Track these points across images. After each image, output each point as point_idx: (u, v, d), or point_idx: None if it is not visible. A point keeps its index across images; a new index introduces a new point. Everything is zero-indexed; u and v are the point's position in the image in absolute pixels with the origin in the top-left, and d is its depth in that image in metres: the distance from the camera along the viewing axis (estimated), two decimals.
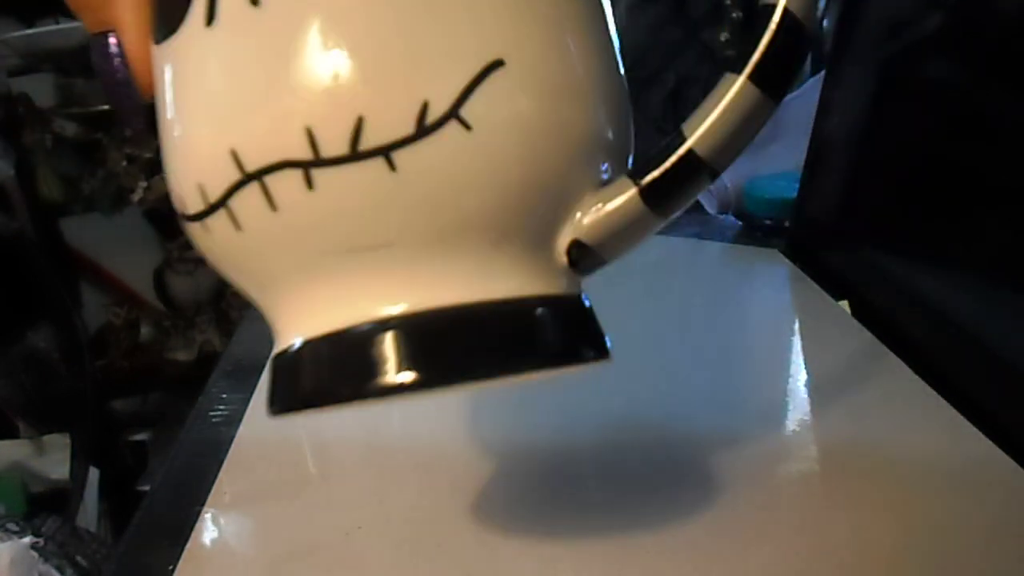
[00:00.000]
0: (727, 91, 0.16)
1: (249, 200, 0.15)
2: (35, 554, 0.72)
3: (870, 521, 0.26)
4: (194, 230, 0.17)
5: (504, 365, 0.16)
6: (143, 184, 1.18)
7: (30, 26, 1.21)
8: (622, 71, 0.18)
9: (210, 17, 0.15)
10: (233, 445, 0.34)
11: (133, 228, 1.33)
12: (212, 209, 0.16)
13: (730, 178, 0.63)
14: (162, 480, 0.33)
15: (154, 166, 1.19)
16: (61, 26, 1.18)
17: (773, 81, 0.16)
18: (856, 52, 0.46)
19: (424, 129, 0.14)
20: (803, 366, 0.37)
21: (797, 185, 0.50)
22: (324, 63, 0.14)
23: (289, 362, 0.17)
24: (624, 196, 0.17)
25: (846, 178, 0.48)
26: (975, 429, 0.30)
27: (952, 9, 0.37)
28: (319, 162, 0.14)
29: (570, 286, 0.17)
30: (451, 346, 0.15)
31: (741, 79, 0.16)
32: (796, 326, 0.41)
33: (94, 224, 1.30)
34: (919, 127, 0.39)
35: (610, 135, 0.17)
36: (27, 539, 0.72)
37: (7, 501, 0.98)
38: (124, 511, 1.12)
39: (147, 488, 0.34)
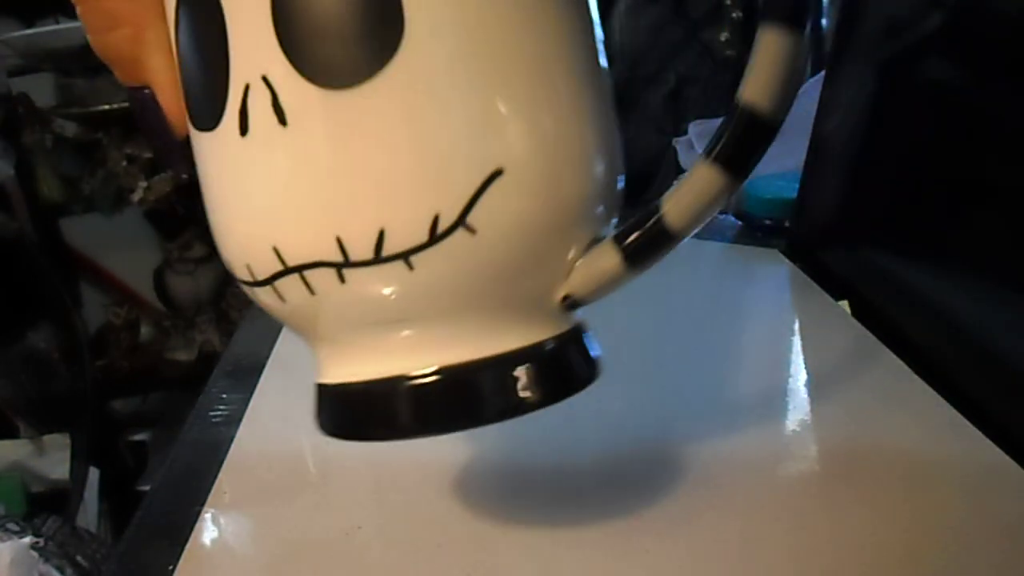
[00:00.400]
0: (699, 173, 0.18)
1: (290, 284, 0.18)
2: (35, 554, 0.72)
3: (870, 521, 0.26)
4: (244, 288, 0.20)
5: (511, 408, 0.19)
6: (143, 184, 1.19)
7: (30, 26, 1.21)
8: (616, 121, 0.19)
9: (243, 130, 0.17)
10: (233, 445, 0.34)
11: (133, 228, 1.33)
12: (259, 284, 0.19)
13: None
14: (162, 480, 0.33)
15: (154, 166, 1.19)
16: (61, 26, 1.18)
17: (738, 166, 0.18)
18: (856, 52, 0.46)
19: (436, 237, 0.17)
20: (803, 366, 0.37)
21: (797, 185, 0.50)
22: (346, 182, 0.16)
23: (335, 395, 0.20)
24: (610, 260, 0.19)
25: (846, 178, 0.47)
26: (975, 429, 0.30)
27: (952, 9, 0.37)
28: (348, 264, 0.17)
29: (564, 323, 0.20)
30: (464, 396, 0.19)
31: (709, 164, 0.18)
32: (796, 326, 0.41)
33: (94, 224, 1.30)
34: (919, 127, 0.39)
35: (603, 197, 0.19)
36: (27, 539, 0.72)
37: (7, 501, 0.98)
38: (124, 511, 1.12)
39: (147, 488, 0.34)
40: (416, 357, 0.18)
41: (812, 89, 0.50)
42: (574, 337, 0.20)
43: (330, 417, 0.20)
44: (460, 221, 0.17)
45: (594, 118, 0.18)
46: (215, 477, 0.32)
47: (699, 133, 0.68)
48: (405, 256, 0.17)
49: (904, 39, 0.41)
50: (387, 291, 0.17)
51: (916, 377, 0.33)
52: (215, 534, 0.29)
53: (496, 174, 0.17)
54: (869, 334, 0.37)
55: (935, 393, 0.32)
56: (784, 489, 0.27)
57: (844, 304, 0.42)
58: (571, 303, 0.20)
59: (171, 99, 0.19)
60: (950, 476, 0.27)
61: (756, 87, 0.17)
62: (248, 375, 0.41)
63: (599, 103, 0.19)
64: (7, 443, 1.10)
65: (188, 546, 0.28)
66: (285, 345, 0.44)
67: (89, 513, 1.10)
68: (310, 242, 0.17)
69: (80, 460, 1.12)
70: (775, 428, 0.31)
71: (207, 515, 0.30)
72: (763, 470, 0.28)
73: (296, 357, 0.43)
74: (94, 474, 1.13)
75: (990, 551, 0.24)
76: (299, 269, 0.17)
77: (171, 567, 0.27)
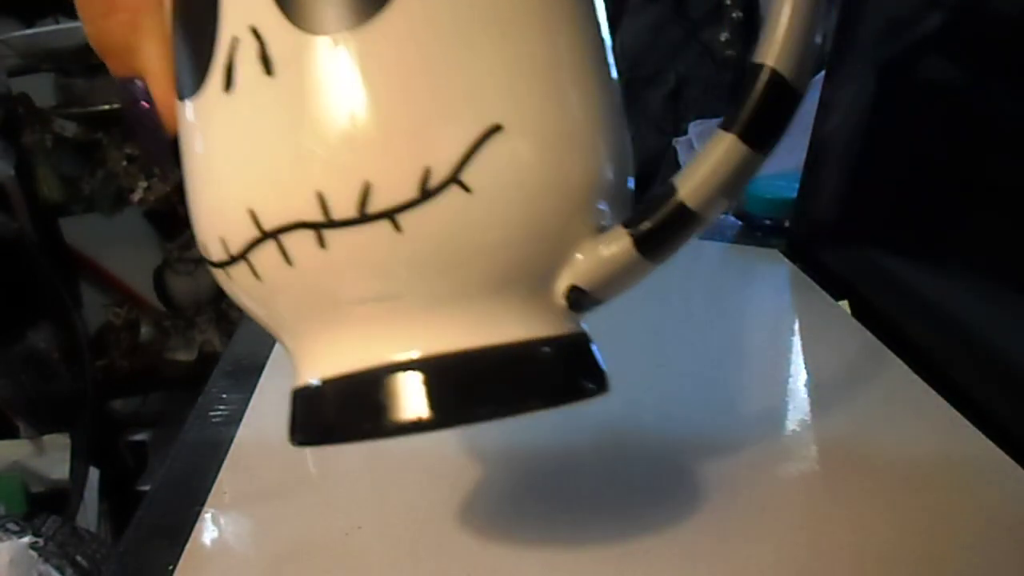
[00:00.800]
0: (717, 147, 0.17)
1: (266, 255, 0.16)
2: (34, 554, 0.72)
3: (870, 521, 0.26)
4: (218, 275, 0.18)
5: (508, 406, 0.17)
6: (143, 184, 1.19)
7: (30, 26, 1.21)
8: (623, 113, 0.18)
9: (228, 84, 0.16)
10: (233, 445, 0.34)
11: (133, 228, 1.33)
12: (233, 260, 0.17)
13: None
14: (162, 480, 0.33)
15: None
16: (61, 26, 1.18)
17: (761, 138, 0.16)
18: (856, 52, 0.46)
19: (427, 193, 0.15)
20: (803, 366, 0.37)
21: (797, 185, 0.50)
22: (331, 132, 0.15)
23: (308, 398, 0.18)
24: (619, 245, 0.17)
25: (846, 178, 0.47)
26: (975, 429, 0.30)
27: (952, 9, 0.37)
28: (330, 224, 0.15)
29: (569, 325, 0.18)
30: (458, 389, 0.17)
31: (730, 137, 0.16)
32: (796, 326, 0.41)
33: (94, 224, 1.30)
34: (919, 127, 0.39)
35: (609, 184, 0.18)
36: (26, 539, 0.72)
37: (7, 501, 0.98)
38: (124, 511, 1.12)
39: (147, 488, 0.34)
40: (402, 343, 0.17)
41: (812, 89, 0.50)
42: (580, 341, 0.19)
43: (305, 421, 0.18)
44: (453, 177, 0.15)
45: (602, 97, 0.17)
46: (215, 477, 0.32)
47: (699, 133, 0.68)
48: (392, 214, 0.15)
49: (904, 39, 0.41)
50: (372, 258, 0.16)
51: (916, 377, 0.33)
52: (215, 534, 0.29)
53: (494, 129, 0.15)
54: (869, 334, 0.37)
55: (935, 393, 0.32)
56: (784, 489, 0.27)
57: (844, 304, 0.42)
58: (577, 298, 0.18)
59: (163, 89, 0.19)
60: (950, 476, 0.27)
61: (775, 51, 0.16)
62: (248, 375, 0.41)
63: (607, 84, 0.18)
64: (7, 443, 1.10)
65: (188, 546, 0.28)
66: None
67: (89, 513, 1.10)
68: (288, 200, 0.16)
69: (80, 460, 1.12)
70: (775, 428, 0.31)
71: (207, 515, 0.30)
72: (763, 470, 0.28)
73: None
74: (94, 474, 1.13)
75: (990, 551, 0.24)
76: (276, 233, 0.16)
77: (171, 567, 0.27)
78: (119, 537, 0.67)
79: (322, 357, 0.18)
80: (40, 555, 0.73)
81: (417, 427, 0.16)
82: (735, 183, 0.17)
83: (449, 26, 0.15)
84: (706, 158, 0.17)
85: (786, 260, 0.49)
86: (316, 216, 0.16)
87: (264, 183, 0.16)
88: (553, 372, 0.18)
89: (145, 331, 1.35)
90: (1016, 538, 0.24)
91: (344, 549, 0.27)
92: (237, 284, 0.18)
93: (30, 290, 1.19)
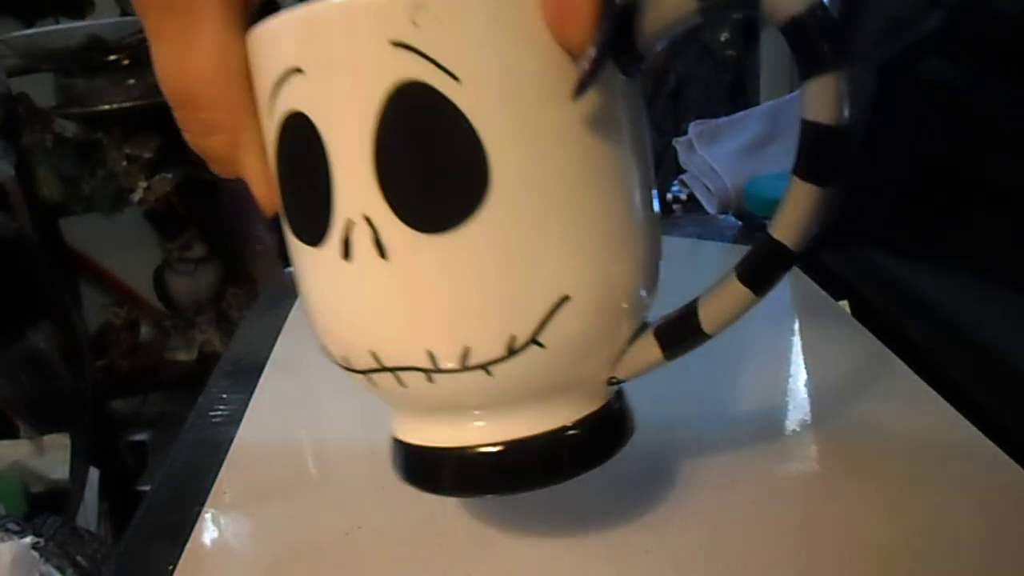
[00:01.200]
0: (727, 286, 0.21)
1: (384, 378, 0.21)
2: (36, 554, 0.72)
3: (870, 520, 0.26)
4: (336, 365, 0.23)
5: (561, 475, 0.22)
6: (143, 184, 1.19)
7: (30, 26, 1.21)
8: (659, 233, 0.22)
9: (346, 254, 0.19)
10: (233, 445, 0.34)
11: (133, 228, 1.33)
12: (354, 371, 0.22)
13: (730, 178, 0.63)
14: (162, 480, 0.33)
15: (154, 166, 1.19)
16: (61, 26, 1.18)
17: (760, 282, 0.21)
18: (856, 52, 0.46)
19: (512, 351, 0.19)
20: (803, 366, 0.37)
21: None
22: (439, 308, 0.19)
23: (414, 453, 0.23)
24: (653, 354, 0.22)
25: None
26: (975, 429, 0.30)
27: (952, 9, 0.37)
28: (437, 370, 0.20)
29: (607, 394, 0.23)
30: (522, 465, 0.22)
31: (735, 282, 0.21)
32: (796, 326, 0.41)
33: (94, 224, 1.30)
34: (919, 127, 0.39)
35: (647, 304, 0.22)
36: (28, 539, 0.72)
37: (7, 501, 0.98)
38: (124, 511, 1.12)
39: (147, 488, 0.34)
40: (484, 433, 0.22)
41: None
42: (616, 401, 0.23)
43: (407, 468, 0.23)
44: (532, 339, 0.19)
45: (645, 244, 0.21)
46: (215, 477, 0.32)
47: (699, 133, 0.68)
48: (485, 366, 0.20)
49: (904, 39, 0.41)
50: (469, 392, 0.21)
51: (916, 377, 0.33)
52: (215, 534, 0.29)
53: (564, 300, 0.19)
54: (869, 334, 0.37)
55: (935, 393, 0.32)
56: (784, 489, 0.27)
57: (844, 304, 0.42)
58: (615, 382, 0.23)
59: (264, 191, 0.21)
60: (950, 476, 0.27)
61: (783, 226, 0.20)
62: (248, 375, 0.41)
63: (650, 228, 0.21)
64: (7, 443, 1.10)
65: (188, 546, 0.28)
66: (285, 345, 0.44)
67: (89, 513, 1.10)
68: (404, 353, 0.20)
69: (80, 460, 1.12)
70: (775, 428, 0.31)
71: (207, 515, 0.30)
72: (763, 470, 0.28)
73: (296, 357, 0.43)
74: (94, 474, 1.13)
75: (990, 549, 0.24)
76: (393, 370, 0.20)
77: (171, 567, 0.27)
78: (119, 537, 0.67)
79: (421, 430, 0.22)
80: (41, 555, 0.73)
81: (491, 491, 0.23)
82: (735, 316, 0.22)
83: (528, 221, 0.19)
84: (718, 292, 0.21)
85: None
86: (426, 365, 0.20)
87: (383, 337, 0.20)
88: (600, 439, 0.23)
89: (145, 331, 1.35)
90: (1016, 538, 0.24)
91: (344, 549, 0.27)
92: (356, 382, 0.22)
93: (30, 290, 1.19)
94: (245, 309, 1.17)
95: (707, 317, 0.22)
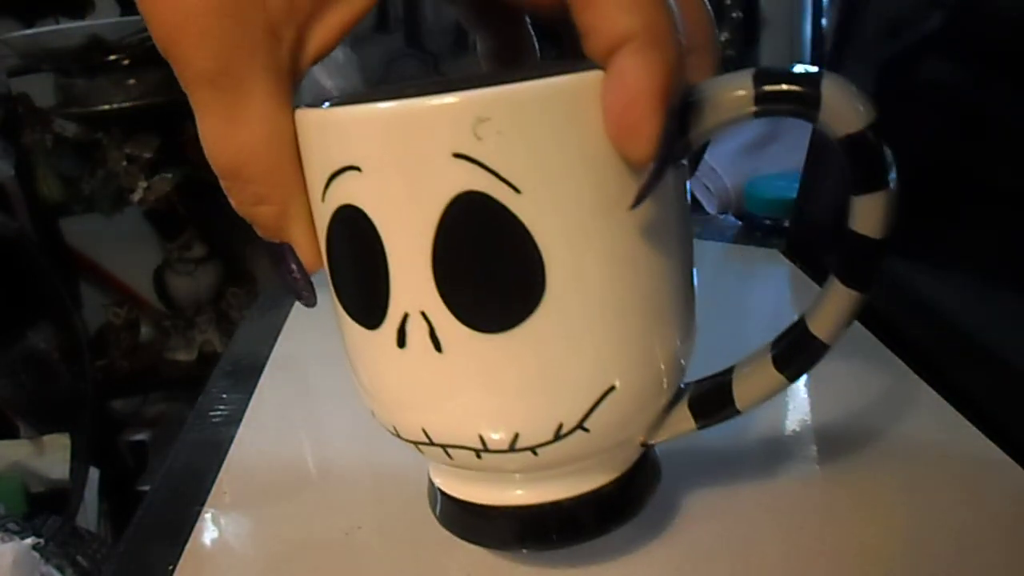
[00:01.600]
0: (757, 363, 0.23)
1: (433, 450, 0.22)
2: (37, 555, 0.72)
3: (870, 521, 0.26)
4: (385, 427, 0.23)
5: (597, 531, 0.23)
6: (143, 184, 1.18)
7: (30, 26, 1.21)
8: (694, 308, 0.23)
9: (401, 343, 0.20)
10: (233, 445, 0.34)
11: (133, 228, 1.33)
12: (402, 439, 0.22)
13: (730, 178, 0.63)
14: (162, 480, 0.33)
15: (154, 166, 1.19)
16: (61, 26, 1.18)
17: (794, 370, 0.22)
18: (856, 52, 0.46)
19: (559, 436, 0.20)
20: None
21: (797, 185, 0.50)
22: (492, 400, 0.20)
23: (456, 505, 0.24)
24: (685, 423, 0.23)
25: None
26: (975, 429, 0.30)
27: (952, 9, 0.37)
28: (486, 450, 0.21)
29: (638, 455, 0.24)
30: (560, 524, 0.23)
31: (770, 366, 0.22)
32: None
33: (94, 224, 1.30)
34: (919, 127, 0.39)
35: (684, 374, 0.23)
36: (29, 540, 0.72)
37: (7, 501, 0.98)
38: (124, 511, 1.12)
39: (147, 488, 0.34)
40: (522, 496, 0.23)
41: None
42: (645, 459, 0.24)
43: (444, 515, 0.24)
44: (578, 426, 0.20)
45: (686, 320, 0.22)
46: (215, 477, 0.32)
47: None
48: (533, 449, 0.20)
49: (904, 39, 0.41)
50: (513, 465, 0.21)
51: (916, 376, 0.33)
52: (215, 534, 0.29)
53: (610, 390, 0.20)
54: (869, 334, 0.37)
55: (935, 393, 0.32)
56: (784, 489, 0.27)
57: None
58: (648, 445, 0.24)
59: (311, 257, 0.21)
60: (950, 476, 0.27)
61: (821, 323, 0.21)
62: (248, 375, 0.41)
63: (690, 302, 0.22)
64: (7, 443, 1.10)
65: (188, 546, 0.28)
66: (285, 345, 0.44)
67: (89, 513, 1.10)
68: (455, 434, 0.21)
69: (80, 460, 1.12)
70: (775, 428, 0.31)
71: (207, 515, 0.30)
72: (763, 470, 0.29)
73: (296, 357, 0.43)
74: (94, 474, 1.13)
75: (990, 550, 0.24)
76: (443, 445, 0.21)
77: (171, 567, 0.27)
78: (119, 537, 0.67)
79: (463, 487, 0.24)
80: (42, 556, 0.73)
81: (530, 547, 0.24)
82: (767, 397, 0.23)
83: (580, 320, 0.19)
84: (752, 372, 0.23)
85: (786, 260, 0.49)
86: (476, 446, 0.21)
87: (434, 419, 0.21)
88: (628, 495, 0.24)
89: (145, 331, 1.35)
90: (1016, 538, 0.24)
91: (344, 549, 0.27)
92: (403, 441, 0.23)
93: (30, 290, 1.19)
94: (245, 309, 1.17)
95: (741, 396, 0.23)
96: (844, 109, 0.19)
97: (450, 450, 0.21)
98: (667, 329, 0.21)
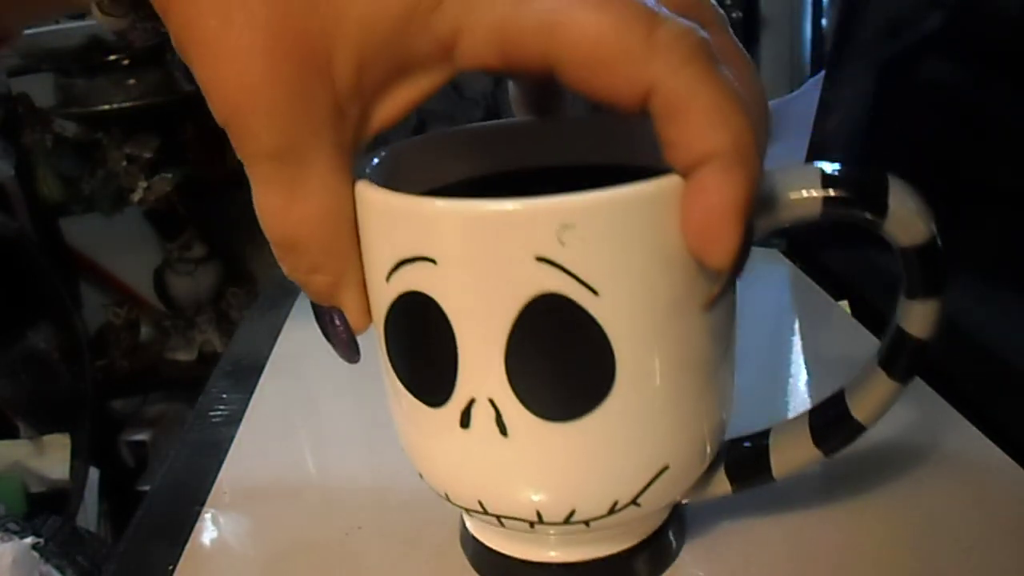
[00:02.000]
0: (790, 431, 0.24)
1: (486, 519, 0.22)
2: (36, 555, 0.72)
3: (870, 521, 0.26)
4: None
5: None
6: (143, 184, 1.18)
7: (30, 26, 1.21)
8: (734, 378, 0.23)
9: (464, 425, 0.20)
10: (233, 445, 0.34)
11: (133, 228, 1.33)
12: (455, 505, 0.22)
13: None
14: (162, 480, 0.33)
15: (154, 166, 1.19)
16: (61, 26, 1.18)
17: (833, 446, 0.24)
18: (856, 52, 0.46)
19: (612, 511, 0.21)
20: (803, 366, 0.37)
21: None
22: (552, 481, 0.20)
23: (489, 554, 0.25)
24: (722, 488, 0.24)
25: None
26: (975, 429, 0.30)
27: (952, 9, 0.37)
28: (541, 523, 0.21)
29: (668, 512, 0.25)
30: None
31: (808, 441, 0.24)
32: (796, 326, 0.41)
33: (94, 224, 1.30)
34: (919, 127, 0.39)
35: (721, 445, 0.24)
36: (28, 539, 0.72)
37: (7, 501, 0.98)
38: (124, 511, 1.12)
39: (147, 488, 0.34)
40: (557, 554, 0.23)
41: (812, 89, 0.50)
42: (675, 517, 0.25)
43: (476, 560, 0.25)
44: (632, 502, 0.21)
45: (730, 401, 0.23)
46: (215, 477, 0.32)
47: None
48: (587, 522, 0.21)
49: (904, 39, 0.41)
50: (567, 538, 0.23)
51: (916, 376, 0.33)
52: (215, 534, 0.29)
53: (664, 469, 0.21)
54: (869, 334, 0.37)
55: (935, 393, 0.32)
56: (783, 489, 0.27)
57: (844, 304, 0.42)
58: (681, 504, 0.25)
59: (359, 321, 0.21)
60: (950, 476, 0.27)
61: (862, 409, 0.23)
62: (248, 375, 0.41)
63: (732, 385, 0.23)
64: (7, 443, 1.10)
65: (188, 546, 0.28)
66: (285, 345, 0.44)
67: (89, 513, 1.10)
68: (512, 508, 0.21)
69: (80, 460, 1.12)
70: None
71: (207, 515, 0.30)
72: None
73: (296, 357, 0.43)
74: (94, 474, 1.13)
75: (990, 550, 0.24)
76: (498, 516, 0.21)
77: (171, 567, 0.27)
78: (119, 537, 0.67)
79: (499, 540, 0.24)
80: (42, 555, 0.73)
81: None
82: (804, 467, 0.24)
83: (643, 410, 0.20)
84: (790, 441, 0.24)
85: (786, 260, 0.49)
86: (532, 518, 0.21)
87: (492, 493, 0.21)
88: (657, 551, 0.24)
89: (145, 331, 1.35)
90: (1016, 538, 0.24)
91: (344, 549, 0.27)
92: (454, 506, 0.23)
93: (30, 290, 1.19)
94: (245, 309, 1.17)
95: (778, 466, 0.24)
96: (910, 219, 0.20)
97: (504, 520, 0.21)
98: (717, 407, 0.22)
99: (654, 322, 0.19)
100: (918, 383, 0.33)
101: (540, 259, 0.18)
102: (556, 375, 0.19)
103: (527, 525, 0.21)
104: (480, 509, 0.21)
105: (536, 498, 0.21)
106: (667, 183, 0.18)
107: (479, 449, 0.20)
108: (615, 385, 0.19)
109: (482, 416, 0.20)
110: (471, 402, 0.20)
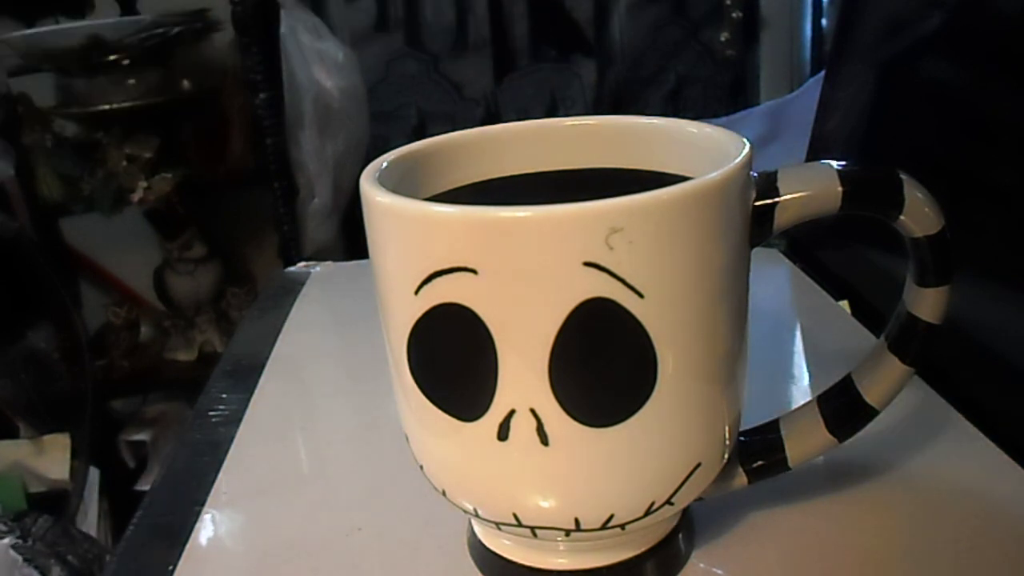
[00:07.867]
0: (805, 417, 0.24)
1: (518, 531, 0.21)
2: (16, 556, 0.71)
3: (870, 521, 0.26)
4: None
5: None
6: (143, 184, 1.18)
7: (30, 26, 1.21)
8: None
9: (502, 437, 0.20)
10: (233, 445, 0.34)
11: (133, 228, 1.33)
12: (480, 518, 0.22)
13: None
14: (162, 480, 0.33)
15: (154, 166, 1.19)
16: (61, 26, 1.18)
17: (846, 431, 0.24)
18: (856, 52, 0.46)
19: (649, 513, 0.21)
20: (803, 366, 0.37)
21: None
22: (593, 487, 0.20)
23: (496, 561, 0.24)
24: (739, 481, 0.25)
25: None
26: (975, 429, 0.30)
27: (952, 9, 0.37)
28: (578, 531, 0.21)
29: (680, 515, 0.25)
30: None
31: (821, 425, 0.24)
32: (796, 326, 0.41)
33: (94, 224, 1.30)
34: (919, 127, 0.39)
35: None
36: (7, 540, 0.72)
37: (7, 501, 0.98)
38: (124, 511, 1.12)
39: (147, 488, 0.34)
40: (565, 562, 0.23)
41: (812, 89, 0.50)
42: (685, 521, 0.25)
43: (482, 565, 0.25)
44: (667, 501, 0.21)
45: (744, 392, 0.23)
46: (215, 477, 0.32)
47: None
48: (623, 525, 0.21)
49: (904, 39, 0.41)
50: (601, 544, 0.23)
51: (915, 377, 0.33)
52: (215, 534, 0.29)
53: (697, 467, 0.21)
54: (869, 334, 0.37)
55: (935, 393, 0.32)
56: (783, 489, 0.27)
57: (844, 304, 0.42)
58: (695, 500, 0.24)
59: None
60: (949, 476, 0.27)
61: (873, 392, 0.24)
62: (248, 375, 0.41)
63: (746, 379, 0.23)
64: (7, 443, 1.09)
65: (188, 546, 0.28)
66: (285, 345, 0.44)
67: (89, 513, 1.10)
68: (550, 518, 0.21)
69: (80, 460, 1.11)
70: None
71: (207, 515, 0.30)
72: None
73: (296, 357, 0.43)
74: (94, 474, 1.13)
75: (990, 551, 0.24)
76: (532, 527, 0.21)
77: (171, 567, 0.27)
78: (119, 537, 0.67)
79: (503, 543, 0.24)
80: (25, 556, 0.72)
81: None
82: (820, 452, 0.24)
83: (682, 410, 0.20)
84: (804, 427, 0.24)
85: (786, 260, 0.49)
86: (569, 526, 0.21)
87: (529, 506, 0.21)
88: (665, 556, 0.24)
89: (145, 331, 1.35)
90: (1016, 538, 0.24)
91: (344, 549, 0.27)
92: (481, 520, 0.23)
93: (30, 290, 1.19)
94: (245, 309, 1.17)
95: (794, 456, 0.24)
96: (923, 211, 0.21)
97: (539, 530, 0.21)
98: (739, 401, 0.22)
99: (691, 321, 0.19)
100: (917, 382, 0.33)
101: (588, 264, 0.18)
102: (600, 380, 0.19)
103: (563, 535, 0.21)
104: (514, 522, 0.21)
105: (575, 506, 0.20)
106: (711, 183, 0.18)
107: (517, 461, 0.20)
108: (656, 387, 0.19)
109: (522, 427, 0.19)
110: (511, 413, 0.19)
